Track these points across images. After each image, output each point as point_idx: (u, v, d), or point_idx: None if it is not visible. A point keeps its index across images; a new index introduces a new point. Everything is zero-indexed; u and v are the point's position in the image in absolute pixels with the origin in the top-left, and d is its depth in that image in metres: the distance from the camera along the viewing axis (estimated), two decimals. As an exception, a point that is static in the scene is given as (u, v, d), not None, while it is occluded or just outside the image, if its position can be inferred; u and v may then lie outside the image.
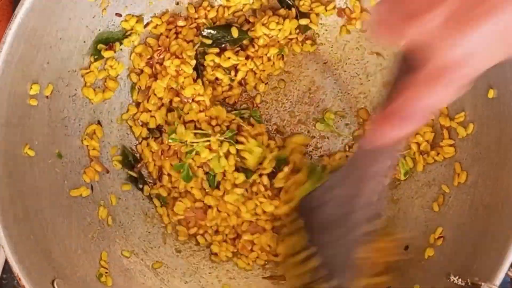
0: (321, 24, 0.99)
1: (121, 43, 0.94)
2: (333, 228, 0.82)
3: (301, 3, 0.97)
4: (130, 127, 0.97)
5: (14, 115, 0.81)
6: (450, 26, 0.52)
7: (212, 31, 0.96)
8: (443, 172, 0.92)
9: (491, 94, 0.83)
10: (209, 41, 0.96)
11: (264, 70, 0.98)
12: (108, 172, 0.95)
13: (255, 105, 0.99)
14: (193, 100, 0.95)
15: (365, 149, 0.73)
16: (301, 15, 0.97)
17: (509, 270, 0.78)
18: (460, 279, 0.81)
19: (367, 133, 0.75)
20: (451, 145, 0.91)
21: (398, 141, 0.67)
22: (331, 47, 0.99)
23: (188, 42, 0.96)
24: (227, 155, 0.93)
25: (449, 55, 0.53)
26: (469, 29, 0.51)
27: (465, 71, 0.54)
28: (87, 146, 0.93)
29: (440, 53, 0.53)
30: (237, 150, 0.93)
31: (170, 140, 0.92)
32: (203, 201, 0.95)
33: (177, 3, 0.97)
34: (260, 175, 0.94)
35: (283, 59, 0.99)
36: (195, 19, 0.96)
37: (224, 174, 0.95)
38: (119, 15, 0.92)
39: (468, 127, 0.89)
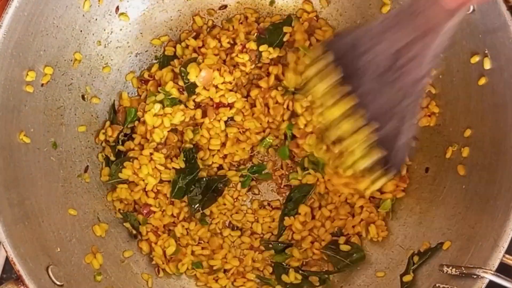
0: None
1: None
2: (384, 76, 0.76)
3: None
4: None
5: (10, 100, 0.82)
6: None
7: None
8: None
9: (482, 81, 0.84)
10: None
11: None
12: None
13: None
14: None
15: (446, 8, 0.70)
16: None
17: (504, 256, 0.78)
18: (453, 269, 0.81)
19: None
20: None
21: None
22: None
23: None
24: None
25: None
26: None
27: None
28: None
29: None
30: None
31: None
32: None
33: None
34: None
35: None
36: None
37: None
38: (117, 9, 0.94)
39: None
